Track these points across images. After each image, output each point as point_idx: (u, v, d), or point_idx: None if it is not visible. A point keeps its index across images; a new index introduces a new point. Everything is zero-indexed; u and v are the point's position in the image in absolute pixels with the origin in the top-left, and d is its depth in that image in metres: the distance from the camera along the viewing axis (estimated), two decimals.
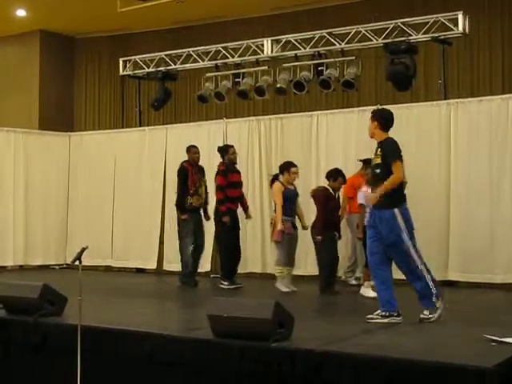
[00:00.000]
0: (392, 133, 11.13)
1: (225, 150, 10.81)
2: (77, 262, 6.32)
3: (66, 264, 13.89)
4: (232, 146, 10.97)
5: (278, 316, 5.71)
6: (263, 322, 5.66)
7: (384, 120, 7.60)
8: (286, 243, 9.87)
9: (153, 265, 13.31)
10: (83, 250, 6.28)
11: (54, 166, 14.41)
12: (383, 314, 7.04)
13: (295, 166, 10.17)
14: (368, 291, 9.33)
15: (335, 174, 9.96)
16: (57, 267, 14.06)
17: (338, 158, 11.42)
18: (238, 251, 10.71)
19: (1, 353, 7.04)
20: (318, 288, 9.78)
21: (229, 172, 10.59)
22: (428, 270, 7.11)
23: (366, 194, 8.16)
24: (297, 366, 5.41)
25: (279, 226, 9.71)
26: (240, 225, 10.78)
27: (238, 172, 10.84)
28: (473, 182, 10.63)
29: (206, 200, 11.00)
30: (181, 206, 10.82)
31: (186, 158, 11.05)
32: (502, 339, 5.68)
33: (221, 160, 10.76)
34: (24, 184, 14.00)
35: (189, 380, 5.91)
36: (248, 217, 10.86)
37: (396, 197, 7.13)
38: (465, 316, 7.81)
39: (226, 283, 10.45)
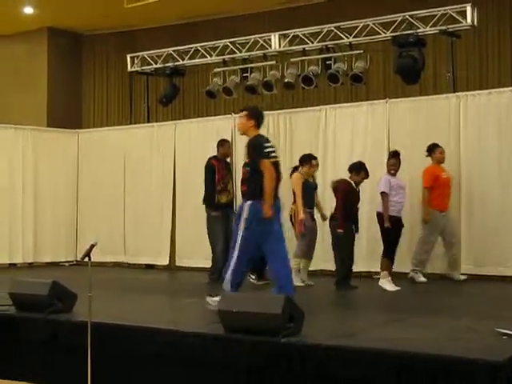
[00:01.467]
0: (401, 126, 11.23)
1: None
2: (86, 259, 6.34)
3: (76, 261, 13.92)
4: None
5: (288, 311, 5.70)
6: (273, 317, 5.64)
7: (261, 118, 7.82)
8: (307, 235, 9.82)
9: (164, 261, 13.32)
10: (92, 246, 6.28)
11: (62, 163, 14.41)
12: None
13: (315, 158, 10.18)
14: (385, 283, 9.40)
15: (358, 168, 9.76)
16: (66, 264, 14.09)
17: (346, 151, 11.39)
18: None
19: (11, 350, 7.05)
20: (332, 282, 9.73)
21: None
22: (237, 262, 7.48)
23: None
24: (306, 361, 5.41)
25: (301, 216, 9.55)
26: None
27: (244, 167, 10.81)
28: (482, 174, 10.59)
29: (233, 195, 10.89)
30: (209, 202, 10.67)
31: (215, 154, 10.90)
32: None
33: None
34: (33, 181, 14.02)
35: (199, 375, 5.91)
36: None
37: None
38: (476, 309, 7.77)
39: (253, 277, 10.22)
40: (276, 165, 7.64)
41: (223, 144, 11.04)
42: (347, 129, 11.67)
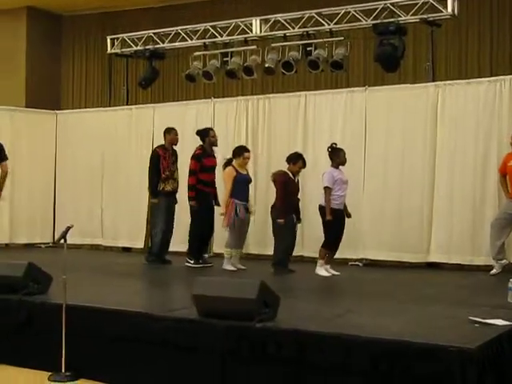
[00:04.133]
0: (379, 115, 11.27)
1: (205, 133, 10.83)
2: (62, 241, 6.33)
3: (53, 243, 13.87)
4: (212, 129, 11.07)
5: (262, 296, 5.71)
6: (248, 302, 5.66)
7: None
8: (238, 227, 10.11)
9: (141, 244, 13.32)
10: (68, 228, 6.28)
11: (40, 143, 14.33)
12: None
13: (248, 150, 10.45)
14: (321, 270, 9.59)
15: (295, 158, 10.01)
16: (42, 246, 14.04)
17: (326, 137, 11.39)
18: (210, 233, 11.01)
19: None
20: (308, 268, 9.87)
21: (205, 156, 10.64)
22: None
23: None
24: (281, 347, 5.43)
25: (228, 209, 9.99)
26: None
27: (214, 156, 10.88)
28: (458, 163, 10.67)
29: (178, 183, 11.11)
30: (152, 190, 10.99)
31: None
32: (486, 321, 5.71)
33: (200, 143, 10.78)
34: (10, 162, 13.80)
35: (173, 359, 5.92)
36: (217, 204, 10.87)
37: None
38: (449, 297, 7.85)
39: (191, 262, 10.63)
40: None
41: (169, 132, 11.15)
42: (326, 115, 11.71)
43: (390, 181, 11.10)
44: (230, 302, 5.74)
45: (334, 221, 9.50)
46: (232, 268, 10.10)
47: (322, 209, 9.61)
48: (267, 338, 5.50)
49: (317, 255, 9.85)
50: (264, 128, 12.21)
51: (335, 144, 9.86)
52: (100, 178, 13.92)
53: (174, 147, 11.17)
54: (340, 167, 9.71)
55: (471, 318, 5.85)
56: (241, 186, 10.15)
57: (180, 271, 10.46)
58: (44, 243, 14.13)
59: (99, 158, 13.92)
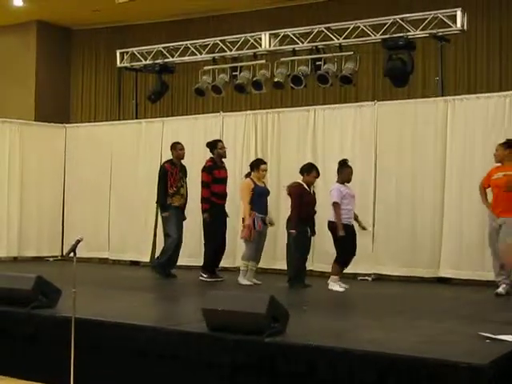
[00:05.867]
0: (388, 129, 11.26)
1: (213, 145, 10.82)
2: (71, 254, 6.32)
3: (61, 256, 13.87)
4: (220, 141, 11.05)
5: (272, 311, 5.70)
6: (257, 317, 5.65)
7: None
8: (255, 240, 10.04)
9: (147, 257, 13.28)
10: (78, 242, 6.26)
11: (49, 157, 14.36)
12: None
13: (265, 163, 10.42)
14: (334, 285, 9.48)
15: (309, 168, 9.97)
16: (51, 259, 14.05)
17: (335, 152, 11.38)
18: (223, 246, 10.82)
19: None
20: (322, 282, 9.80)
21: (215, 168, 10.60)
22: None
23: None
24: (290, 361, 5.41)
25: (247, 222, 9.90)
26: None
27: (225, 168, 10.85)
28: (467, 178, 10.62)
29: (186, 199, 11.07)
30: (161, 204, 10.91)
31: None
32: (497, 336, 5.68)
33: (211, 155, 10.78)
34: (19, 175, 13.96)
35: (182, 373, 5.90)
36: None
37: None
38: (459, 313, 7.81)
39: (205, 276, 10.58)
40: None
41: (175, 147, 11.10)
42: (336, 129, 11.69)
43: (400, 195, 11.06)
44: (239, 317, 5.72)
45: (346, 236, 9.46)
46: (247, 282, 9.99)
47: (331, 224, 9.58)
48: (276, 353, 5.48)
49: (325, 269, 9.81)
50: (273, 142, 12.20)
51: (346, 160, 9.84)
52: (108, 191, 13.92)
53: (183, 162, 11.14)
54: (346, 184, 9.71)
55: (481, 333, 5.82)
56: (258, 198, 10.07)
57: (191, 285, 10.44)
58: (52, 256, 14.13)
59: (107, 171, 13.93)
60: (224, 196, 10.70)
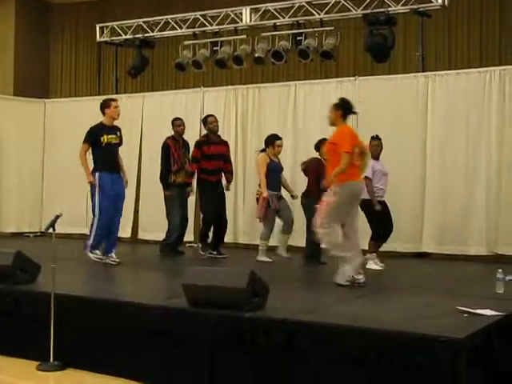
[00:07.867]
0: (369, 104, 11.25)
1: (204, 121, 10.71)
2: (50, 230, 6.30)
3: (41, 232, 13.82)
4: (211, 116, 10.76)
5: (252, 285, 5.72)
6: (237, 292, 5.66)
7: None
8: (271, 218, 9.85)
9: (127, 233, 13.26)
10: (57, 217, 6.25)
11: (28, 132, 14.27)
12: None
13: (280, 138, 10.09)
14: (371, 264, 9.27)
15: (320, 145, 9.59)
16: (31, 235, 13.99)
17: (316, 128, 11.37)
18: (223, 222, 10.59)
19: None
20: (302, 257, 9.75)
21: (206, 144, 10.37)
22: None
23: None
24: (270, 336, 5.43)
25: (265, 194, 9.65)
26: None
27: (221, 143, 10.60)
28: (449, 154, 10.69)
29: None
30: (165, 182, 10.68)
31: (171, 132, 10.82)
32: (475, 311, 5.72)
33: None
34: None
35: (163, 349, 5.91)
36: (226, 188, 10.72)
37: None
38: (439, 287, 7.86)
39: (202, 253, 10.50)
40: None
41: (173, 123, 10.89)
42: (316, 105, 11.67)
43: None
44: (219, 292, 5.73)
45: (379, 212, 9.21)
46: (268, 259, 9.81)
47: (363, 202, 8.78)
48: (256, 327, 5.50)
49: None
50: (254, 117, 12.19)
51: (376, 136, 9.62)
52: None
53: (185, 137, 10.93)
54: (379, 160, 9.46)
55: (460, 308, 5.86)
56: (273, 174, 9.86)
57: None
58: (32, 232, 14.08)
59: None
60: (216, 172, 10.39)
